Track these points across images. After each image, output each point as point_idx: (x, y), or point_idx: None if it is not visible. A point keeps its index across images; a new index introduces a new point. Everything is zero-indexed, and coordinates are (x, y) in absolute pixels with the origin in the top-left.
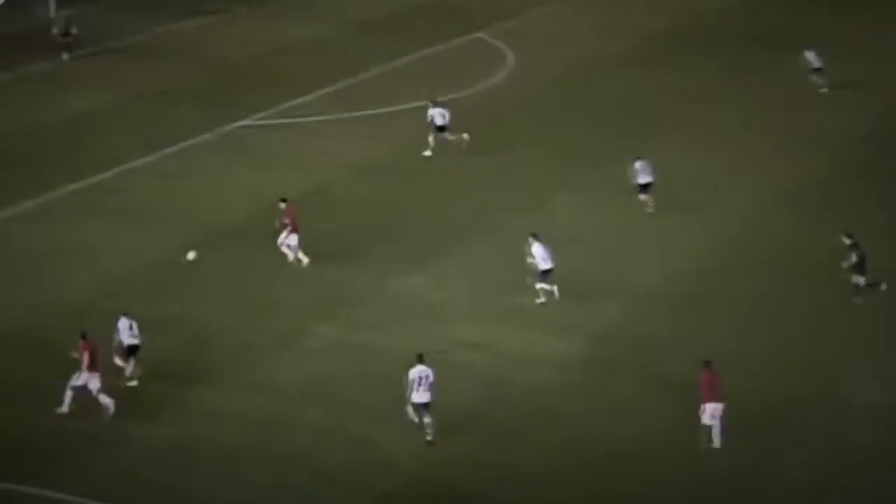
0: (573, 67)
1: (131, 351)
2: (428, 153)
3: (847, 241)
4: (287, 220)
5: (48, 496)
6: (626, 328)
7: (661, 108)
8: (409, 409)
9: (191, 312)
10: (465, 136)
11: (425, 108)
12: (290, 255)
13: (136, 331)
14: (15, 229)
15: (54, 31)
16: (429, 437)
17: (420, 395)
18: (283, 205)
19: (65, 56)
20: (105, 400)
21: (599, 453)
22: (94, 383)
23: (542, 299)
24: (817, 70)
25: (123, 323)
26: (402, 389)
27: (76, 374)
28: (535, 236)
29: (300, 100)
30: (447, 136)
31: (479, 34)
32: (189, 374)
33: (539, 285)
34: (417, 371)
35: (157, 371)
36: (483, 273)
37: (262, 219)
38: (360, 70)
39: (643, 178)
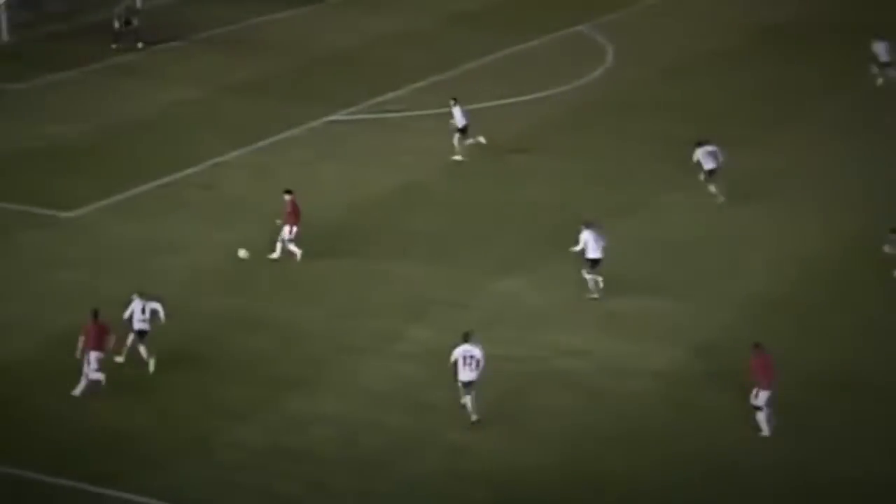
0: (680, 62)
1: (140, 335)
2: (458, 157)
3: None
4: (289, 212)
5: (137, 501)
6: (730, 337)
7: (778, 103)
8: (461, 391)
9: (281, 312)
10: (482, 139)
11: (518, 104)
12: (279, 247)
13: (147, 315)
14: (104, 223)
15: (115, 24)
16: (474, 418)
17: (466, 374)
18: (287, 197)
19: (140, 45)
20: (94, 376)
21: (699, 467)
22: (93, 361)
23: (595, 295)
24: (886, 64)
25: (137, 305)
26: (452, 375)
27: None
28: (588, 224)
29: (392, 94)
30: (467, 139)
31: (580, 27)
32: (278, 376)
33: (588, 276)
34: (462, 350)
35: (247, 372)
36: (581, 278)
37: (353, 217)
38: (454, 64)
39: (708, 165)
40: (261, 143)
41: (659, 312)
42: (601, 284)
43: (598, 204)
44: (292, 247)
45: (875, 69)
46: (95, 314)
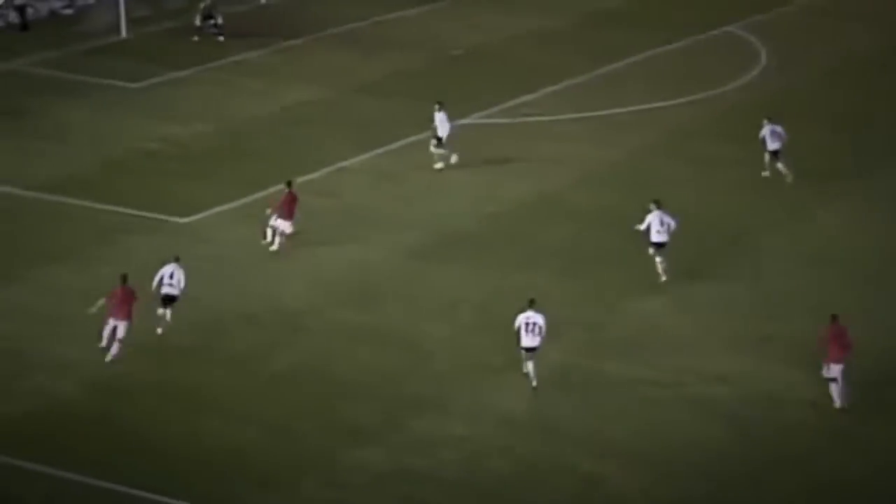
0: (840, 65)
1: (166, 301)
2: (439, 166)
3: None
4: (282, 204)
5: None
6: (891, 367)
7: None
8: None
9: (406, 326)
10: (455, 158)
11: (663, 109)
12: (269, 234)
13: (174, 280)
14: (221, 230)
15: (196, 21)
16: (534, 384)
17: (528, 340)
18: (286, 189)
19: (221, 39)
20: (116, 351)
21: (863, 501)
22: (121, 330)
23: (663, 278)
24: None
25: (166, 269)
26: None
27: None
28: (657, 203)
29: (527, 97)
30: (441, 149)
31: (729, 27)
32: (403, 395)
33: (656, 258)
34: (525, 317)
35: (370, 390)
36: (730, 297)
37: (482, 226)
38: (595, 65)
39: (773, 145)
40: (387, 148)
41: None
42: (663, 278)
43: (747, 216)
44: (273, 232)
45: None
46: (124, 279)
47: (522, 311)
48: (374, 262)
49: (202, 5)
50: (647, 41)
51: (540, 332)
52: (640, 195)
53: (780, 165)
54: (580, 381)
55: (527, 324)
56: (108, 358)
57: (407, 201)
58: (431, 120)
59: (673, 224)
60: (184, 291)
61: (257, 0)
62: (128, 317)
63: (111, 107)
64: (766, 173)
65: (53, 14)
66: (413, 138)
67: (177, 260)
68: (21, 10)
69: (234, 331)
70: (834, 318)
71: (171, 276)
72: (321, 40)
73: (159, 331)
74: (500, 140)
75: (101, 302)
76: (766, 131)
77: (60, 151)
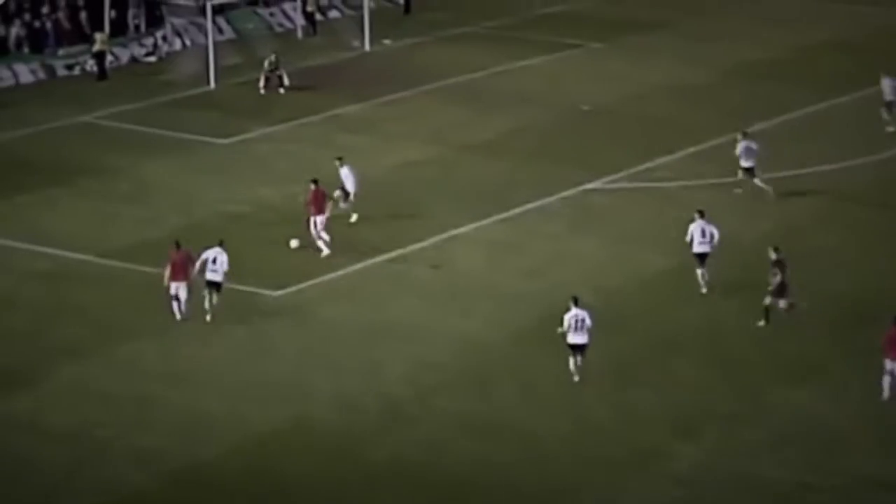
0: None
1: (210, 286)
2: (353, 219)
3: (773, 256)
4: (311, 202)
5: None
6: None
7: None
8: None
9: (527, 414)
10: (344, 203)
11: (819, 174)
12: (315, 236)
13: (217, 266)
14: (319, 304)
15: (265, 65)
16: (576, 378)
17: (576, 338)
18: (312, 186)
19: (281, 90)
20: (186, 311)
21: None
22: (183, 292)
23: (703, 290)
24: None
25: (209, 254)
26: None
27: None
28: (701, 213)
29: (663, 159)
30: (343, 202)
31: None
32: (523, 494)
33: (698, 270)
34: (573, 314)
35: (485, 487)
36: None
37: (610, 303)
38: (740, 124)
39: (746, 162)
40: (503, 215)
41: None
42: (705, 279)
43: None
44: (320, 241)
45: (884, 112)
46: (178, 244)
47: (568, 310)
48: (486, 343)
49: (267, 62)
50: (800, 98)
51: (588, 331)
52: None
53: (757, 181)
54: (728, 484)
55: (576, 321)
56: (179, 318)
57: (525, 274)
58: (555, 183)
59: (716, 234)
60: (227, 276)
61: (360, 47)
62: (187, 278)
63: (197, 165)
64: (738, 190)
65: (134, 61)
66: (533, 204)
67: (221, 244)
68: (99, 57)
69: (330, 417)
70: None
71: (215, 262)
72: (431, 93)
73: (208, 318)
74: (631, 207)
75: (167, 273)
76: (740, 147)
77: (140, 214)
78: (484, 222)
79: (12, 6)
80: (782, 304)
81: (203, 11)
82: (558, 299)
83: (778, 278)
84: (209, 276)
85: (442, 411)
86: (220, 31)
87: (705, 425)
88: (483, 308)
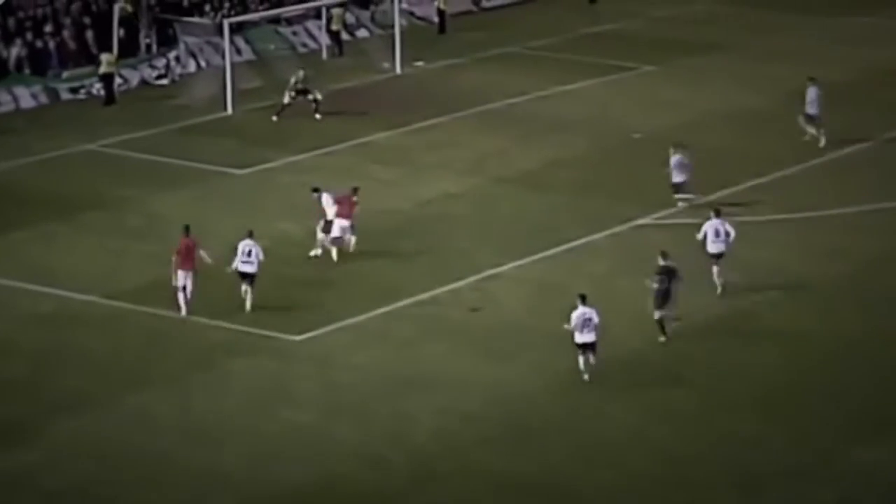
0: None
1: (244, 277)
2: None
3: (661, 262)
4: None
5: None
6: None
7: None
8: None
9: (572, 473)
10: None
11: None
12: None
13: (252, 257)
14: (343, 350)
15: (286, 98)
16: (586, 377)
17: (584, 336)
18: (355, 198)
19: (318, 117)
20: (182, 301)
21: None
22: (190, 283)
23: (718, 290)
24: (810, 117)
25: (242, 245)
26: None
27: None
28: (717, 212)
29: (723, 192)
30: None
31: None
32: None
33: (714, 268)
34: (580, 313)
35: None
36: None
37: (667, 350)
38: (808, 154)
39: (678, 177)
40: (546, 253)
41: None
42: (721, 280)
43: None
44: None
45: (805, 124)
46: (187, 229)
47: (574, 308)
48: (527, 393)
49: (293, 80)
50: (873, 123)
51: (595, 329)
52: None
53: (682, 196)
54: None
55: (584, 320)
56: (184, 313)
57: (567, 318)
58: (603, 219)
59: (732, 233)
60: (262, 265)
61: (391, 69)
62: (193, 267)
63: (212, 197)
64: (682, 205)
65: (145, 84)
66: (578, 241)
67: (250, 235)
68: (106, 79)
69: (356, 475)
70: None
71: (249, 254)
72: (468, 120)
73: (248, 307)
74: (687, 244)
75: (174, 260)
76: (673, 161)
77: (151, 252)
78: (525, 261)
79: (13, 24)
80: (667, 315)
81: (220, 30)
82: (606, 345)
83: (663, 286)
84: (244, 267)
85: (478, 468)
86: (238, 51)
87: (768, 484)
88: (523, 355)
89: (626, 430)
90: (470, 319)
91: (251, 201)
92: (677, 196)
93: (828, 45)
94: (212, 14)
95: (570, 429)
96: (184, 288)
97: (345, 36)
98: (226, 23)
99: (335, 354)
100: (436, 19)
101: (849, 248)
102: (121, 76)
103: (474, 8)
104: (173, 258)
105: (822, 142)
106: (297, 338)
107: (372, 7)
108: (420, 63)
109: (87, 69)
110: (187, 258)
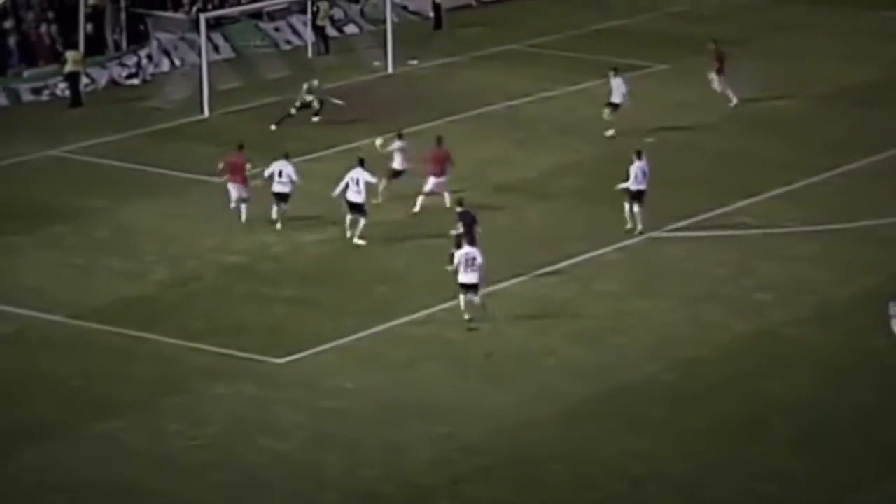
0: None
1: (279, 198)
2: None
3: (458, 209)
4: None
5: None
6: None
7: None
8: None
9: None
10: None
11: None
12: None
13: (284, 177)
14: (330, 373)
15: (292, 110)
16: (466, 317)
17: (466, 276)
18: (439, 145)
19: (315, 118)
20: (244, 211)
21: None
22: (236, 193)
23: (629, 226)
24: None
25: (275, 166)
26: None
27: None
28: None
29: (743, 202)
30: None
31: None
32: None
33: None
34: (463, 252)
35: None
36: None
37: (684, 376)
38: (837, 160)
39: (636, 185)
40: (550, 268)
41: None
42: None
43: None
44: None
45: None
46: (241, 146)
47: (459, 247)
48: (530, 422)
49: (305, 88)
50: None
51: (479, 269)
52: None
53: (636, 209)
54: None
55: (466, 259)
56: (244, 220)
57: (577, 340)
58: (614, 231)
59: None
60: (296, 185)
61: (382, 68)
62: (245, 180)
63: (188, 208)
64: (633, 228)
65: (114, 85)
66: (586, 255)
67: (286, 156)
68: (72, 79)
69: None
70: None
71: (281, 174)
72: (465, 123)
73: (278, 226)
74: (706, 259)
75: (221, 165)
76: (636, 169)
77: (121, 267)
78: (527, 277)
79: None
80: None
81: (196, 25)
82: (618, 370)
83: (460, 231)
84: (277, 188)
85: (475, 503)
86: (216, 48)
87: None
88: (527, 380)
89: (637, 461)
90: (468, 340)
91: (230, 212)
92: (632, 204)
93: (858, 42)
94: (187, 8)
95: (577, 460)
96: (240, 200)
97: (332, 32)
98: (202, 17)
99: (322, 379)
100: (431, 14)
101: (872, 263)
102: (87, 75)
103: (473, 2)
104: (220, 166)
105: (611, 132)
106: (281, 360)
107: (362, 0)
108: (414, 62)
109: (51, 68)
110: (236, 172)
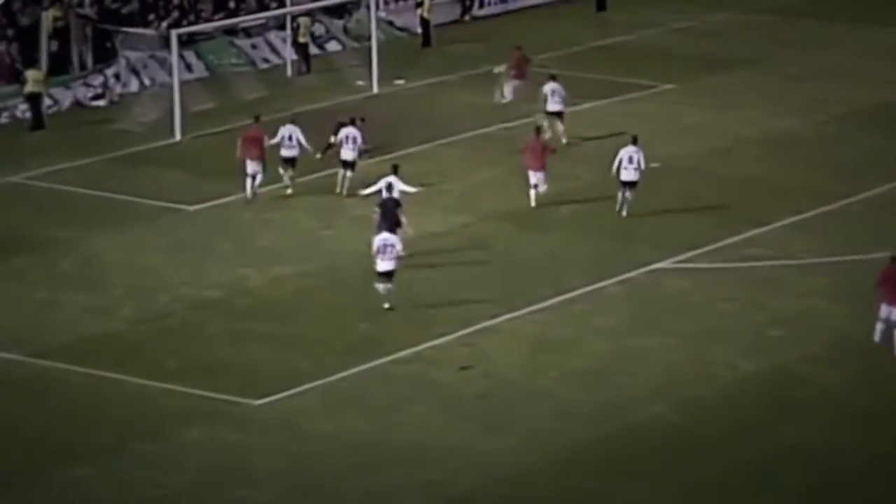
0: None
1: (287, 162)
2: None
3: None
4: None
5: None
6: None
7: None
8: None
9: None
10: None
11: None
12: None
13: (293, 141)
14: (312, 416)
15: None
16: (386, 305)
17: (383, 265)
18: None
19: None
20: (251, 187)
21: None
22: (251, 168)
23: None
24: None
25: (283, 131)
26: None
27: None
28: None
29: (753, 231)
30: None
31: None
32: None
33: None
34: (382, 239)
35: None
36: None
37: (694, 416)
38: (854, 187)
39: (627, 176)
40: (547, 302)
41: None
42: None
43: None
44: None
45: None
46: (257, 118)
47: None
48: (525, 468)
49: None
50: None
51: (396, 257)
52: None
53: (628, 194)
54: None
55: (384, 246)
56: (250, 197)
57: (576, 379)
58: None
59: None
60: (304, 149)
61: (366, 87)
62: (262, 157)
63: (159, 238)
64: (623, 213)
65: (79, 106)
66: (585, 289)
67: (293, 121)
68: (33, 100)
69: None
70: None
71: (290, 139)
72: (456, 146)
73: (289, 191)
74: (713, 293)
75: (240, 142)
76: (624, 153)
77: (86, 302)
78: (523, 312)
79: None
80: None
81: (167, 42)
82: (619, 413)
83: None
84: (285, 152)
85: None
86: (189, 67)
87: None
88: (521, 423)
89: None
90: (459, 380)
91: (203, 242)
92: (628, 194)
93: (874, 61)
94: (157, 24)
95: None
96: (253, 176)
97: (313, 49)
98: (174, 34)
99: (301, 421)
100: (419, 30)
101: None
102: (50, 96)
103: (464, 17)
104: (239, 143)
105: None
106: (258, 402)
107: (345, 16)
108: (401, 81)
109: (11, 88)
110: (254, 147)
